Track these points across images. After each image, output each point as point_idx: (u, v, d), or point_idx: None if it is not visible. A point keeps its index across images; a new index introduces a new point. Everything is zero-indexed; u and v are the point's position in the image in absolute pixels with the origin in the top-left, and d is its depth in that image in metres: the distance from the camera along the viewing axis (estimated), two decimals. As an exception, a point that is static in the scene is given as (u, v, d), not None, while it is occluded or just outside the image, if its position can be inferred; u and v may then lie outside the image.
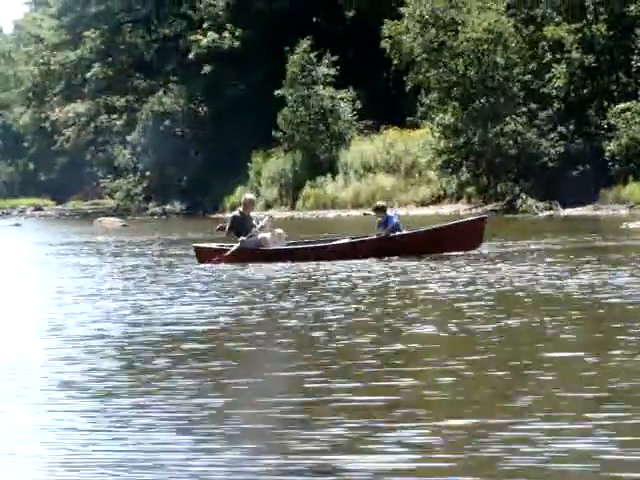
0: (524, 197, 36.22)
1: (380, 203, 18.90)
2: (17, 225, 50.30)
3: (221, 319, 10.49)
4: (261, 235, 18.03)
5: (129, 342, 9.17)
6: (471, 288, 12.15)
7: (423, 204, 41.25)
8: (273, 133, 48.14)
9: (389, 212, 18.43)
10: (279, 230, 18.58)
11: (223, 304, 11.79)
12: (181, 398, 6.71)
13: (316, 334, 9.16)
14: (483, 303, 10.74)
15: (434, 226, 18.72)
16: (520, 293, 11.60)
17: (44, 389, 7.27)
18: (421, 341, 8.71)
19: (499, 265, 15.21)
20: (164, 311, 11.22)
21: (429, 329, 9.24)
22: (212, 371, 7.67)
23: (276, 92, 47.57)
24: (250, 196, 19.93)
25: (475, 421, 5.78)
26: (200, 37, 55.38)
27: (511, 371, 7.25)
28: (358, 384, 6.93)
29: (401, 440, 5.42)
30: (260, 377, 7.50)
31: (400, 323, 9.66)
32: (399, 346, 8.41)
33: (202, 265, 17.47)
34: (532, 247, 18.94)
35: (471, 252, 17.21)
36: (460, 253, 17.11)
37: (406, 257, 16.83)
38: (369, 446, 5.32)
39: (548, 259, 15.95)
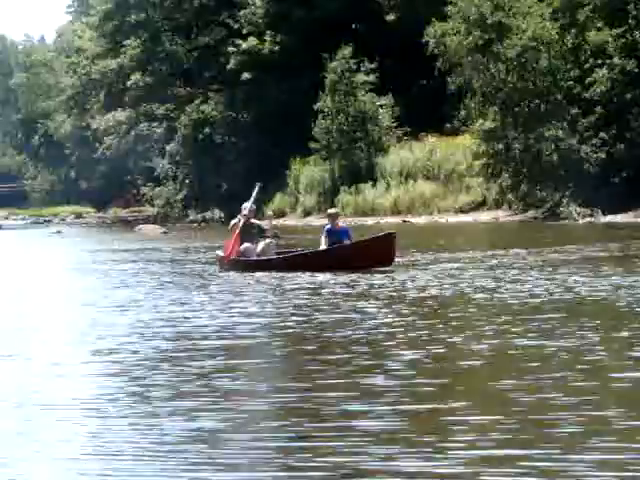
0: (565, 203, 35.83)
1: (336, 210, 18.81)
2: (58, 232, 50.60)
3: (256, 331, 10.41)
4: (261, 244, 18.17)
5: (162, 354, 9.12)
6: (541, 299, 11.72)
7: (462, 211, 41.03)
8: (311, 142, 48.12)
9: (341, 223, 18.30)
10: (269, 240, 18.47)
11: (255, 314, 11.71)
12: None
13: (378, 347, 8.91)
14: (562, 314, 10.39)
15: (344, 243, 17.89)
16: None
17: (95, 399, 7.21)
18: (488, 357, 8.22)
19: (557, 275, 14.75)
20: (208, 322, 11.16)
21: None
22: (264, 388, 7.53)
23: (316, 105, 47.58)
24: (248, 204, 19.60)
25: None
26: (240, 41, 55.50)
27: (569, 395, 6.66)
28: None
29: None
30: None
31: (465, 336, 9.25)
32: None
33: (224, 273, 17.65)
34: (582, 254, 18.69)
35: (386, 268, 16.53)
36: (370, 269, 16.44)
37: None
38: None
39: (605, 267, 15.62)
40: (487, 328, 9.56)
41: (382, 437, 5.60)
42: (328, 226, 18.05)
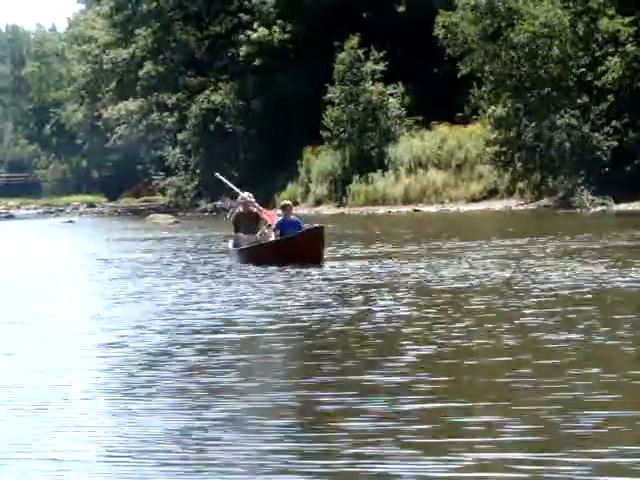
0: (581, 190, 35.60)
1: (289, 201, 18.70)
2: (70, 222, 50.69)
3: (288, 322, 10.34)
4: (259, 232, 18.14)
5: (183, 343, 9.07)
6: (563, 290, 11.48)
7: (474, 200, 40.93)
8: (321, 131, 48.05)
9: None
10: (265, 229, 18.38)
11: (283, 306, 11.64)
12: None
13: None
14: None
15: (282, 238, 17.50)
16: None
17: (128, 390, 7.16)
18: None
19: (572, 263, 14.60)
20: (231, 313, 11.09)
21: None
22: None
23: (326, 96, 47.49)
24: (245, 194, 19.39)
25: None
26: (251, 32, 55.45)
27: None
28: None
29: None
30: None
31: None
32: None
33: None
34: (600, 243, 18.51)
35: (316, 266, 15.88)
36: (301, 266, 15.83)
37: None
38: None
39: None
40: (507, 321, 9.35)
41: (383, 437, 5.47)
42: (280, 218, 17.85)
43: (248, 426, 5.84)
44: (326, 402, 6.35)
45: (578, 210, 34.40)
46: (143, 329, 9.79)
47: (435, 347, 8.10)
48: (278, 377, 7.32)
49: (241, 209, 18.82)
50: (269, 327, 9.63)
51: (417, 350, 7.96)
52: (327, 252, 19.33)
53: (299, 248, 16.49)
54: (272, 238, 17.60)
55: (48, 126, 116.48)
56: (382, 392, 6.57)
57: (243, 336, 9.14)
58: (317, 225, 17.19)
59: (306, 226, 17.87)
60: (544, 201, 37.59)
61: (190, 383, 7.10)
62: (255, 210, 18.74)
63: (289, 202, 18.76)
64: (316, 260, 16.25)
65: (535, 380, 6.74)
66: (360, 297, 11.62)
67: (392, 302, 11.00)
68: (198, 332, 9.45)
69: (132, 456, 5.33)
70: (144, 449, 5.45)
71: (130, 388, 7.06)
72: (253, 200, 19.09)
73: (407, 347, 8.13)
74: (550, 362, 7.35)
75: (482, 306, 10.52)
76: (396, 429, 5.61)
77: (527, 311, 9.91)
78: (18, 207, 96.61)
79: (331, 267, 15.89)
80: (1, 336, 9.86)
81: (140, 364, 7.93)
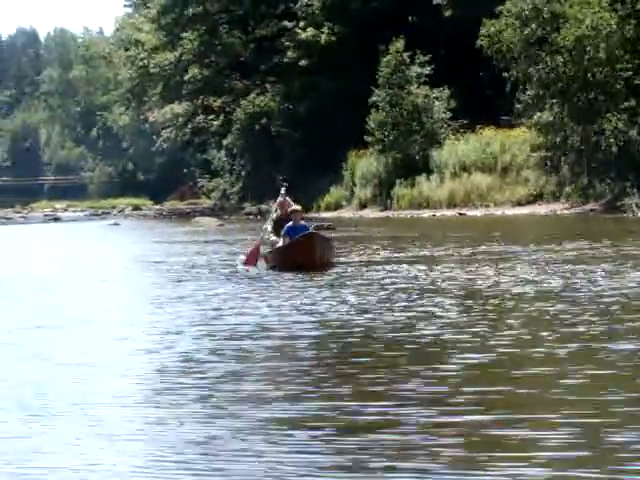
0: (628, 195, 35.14)
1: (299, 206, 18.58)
2: (116, 225, 51.04)
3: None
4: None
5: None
6: (615, 297, 11.09)
7: (520, 204, 40.66)
8: (366, 135, 47.99)
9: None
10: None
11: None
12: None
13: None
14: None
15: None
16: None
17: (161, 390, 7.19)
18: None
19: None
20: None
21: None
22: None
23: (370, 99, 47.42)
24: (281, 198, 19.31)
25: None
26: (298, 31, 55.53)
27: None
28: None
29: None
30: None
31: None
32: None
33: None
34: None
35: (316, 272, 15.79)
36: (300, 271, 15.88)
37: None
38: None
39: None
40: (559, 329, 9.03)
41: (418, 450, 5.34)
42: (290, 223, 17.71)
43: (275, 436, 5.72)
44: (360, 412, 6.21)
45: (625, 214, 34.06)
46: (180, 335, 9.72)
47: (480, 356, 7.88)
48: (312, 385, 7.14)
49: (279, 212, 18.62)
50: (307, 333, 9.50)
51: (461, 359, 7.77)
52: (370, 255, 19.30)
53: (294, 254, 16.68)
54: (280, 244, 17.62)
55: (95, 129, 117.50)
56: (420, 402, 6.40)
57: (281, 342, 9.04)
58: (312, 231, 17.07)
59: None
60: (590, 205, 37.26)
61: (220, 391, 7.00)
62: (294, 208, 18.49)
63: (298, 207, 18.50)
64: (311, 265, 16.19)
65: (584, 392, 6.52)
66: (405, 302, 11.45)
67: (438, 308, 10.81)
68: (234, 338, 9.36)
69: (160, 465, 5.29)
70: (171, 458, 5.40)
71: (158, 395, 7.02)
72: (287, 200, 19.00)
73: (451, 355, 7.96)
74: (602, 373, 7.09)
75: (533, 313, 10.26)
76: (432, 442, 5.45)
77: (580, 319, 9.61)
78: (65, 209, 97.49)
79: (376, 271, 15.83)
80: (39, 340, 9.86)
81: (173, 371, 7.88)
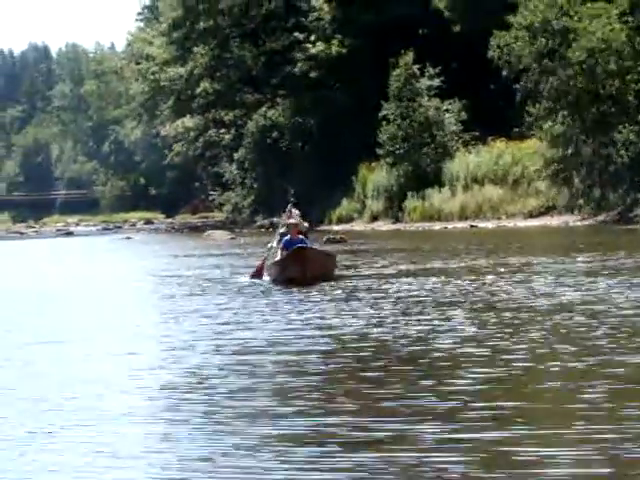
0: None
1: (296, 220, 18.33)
2: (128, 239, 51.13)
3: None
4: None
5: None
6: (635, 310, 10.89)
7: (531, 216, 40.57)
8: (377, 148, 47.98)
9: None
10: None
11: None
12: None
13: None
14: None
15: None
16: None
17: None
18: None
19: None
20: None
21: None
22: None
23: (381, 113, 47.42)
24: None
25: None
26: (309, 45, 55.61)
27: None
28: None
29: None
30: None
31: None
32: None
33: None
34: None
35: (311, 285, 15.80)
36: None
37: None
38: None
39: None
40: (578, 342, 8.87)
41: (428, 467, 5.23)
42: (287, 237, 17.65)
43: (283, 453, 5.63)
44: (371, 428, 6.10)
45: (638, 225, 33.93)
46: (190, 349, 9.67)
47: (495, 370, 7.77)
48: (321, 401, 7.03)
49: (286, 228, 18.33)
50: (318, 348, 9.41)
51: (476, 373, 7.65)
52: (384, 267, 19.25)
53: (284, 268, 16.83)
54: (278, 257, 17.56)
55: (107, 143, 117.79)
56: (432, 417, 6.29)
57: (292, 357, 8.91)
58: (302, 245, 16.93)
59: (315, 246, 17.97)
60: (602, 217, 37.16)
61: (228, 407, 6.92)
62: (289, 222, 18.23)
63: (294, 221, 18.30)
64: (301, 279, 16.18)
65: (601, 407, 6.39)
66: (419, 316, 11.35)
67: (452, 321, 10.71)
68: (244, 353, 9.28)
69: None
70: (179, 475, 5.34)
71: (165, 411, 6.95)
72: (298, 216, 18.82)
73: (465, 369, 7.84)
74: (619, 387, 6.96)
75: (548, 326, 10.11)
76: (444, 459, 5.34)
77: (597, 332, 9.46)
78: (77, 224, 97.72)
79: (390, 283, 15.77)
80: (47, 355, 9.81)
81: (181, 387, 7.81)
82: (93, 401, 7.37)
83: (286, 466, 5.39)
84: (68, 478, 5.42)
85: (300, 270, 16.43)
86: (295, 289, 15.67)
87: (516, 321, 10.60)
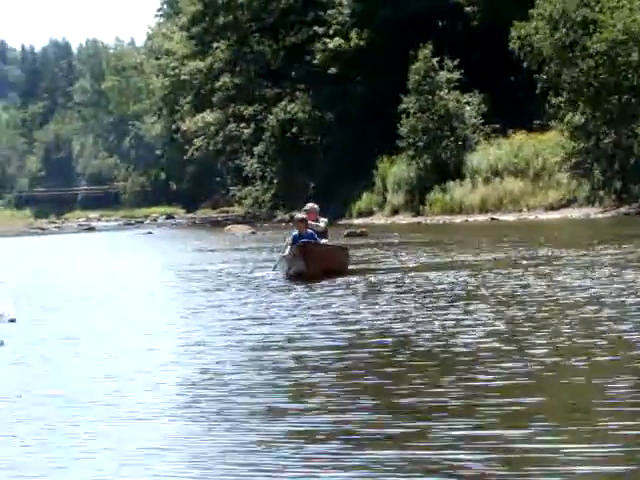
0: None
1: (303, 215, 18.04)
2: (150, 233, 51.29)
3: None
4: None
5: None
6: None
7: (552, 208, 40.40)
8: (397, 141, 47.89)
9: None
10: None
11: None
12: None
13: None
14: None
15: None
16: None
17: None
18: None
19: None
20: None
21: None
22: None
23: (400, 106, 47.31)
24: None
25: None
26: (328, 40, 55.54)
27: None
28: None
29: None
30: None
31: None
32: None
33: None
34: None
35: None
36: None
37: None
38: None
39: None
40: (606, 336, 8.68)
41: (444, 465, 5.14)
42: (296, 232, 17.45)
43: (299, 450, 5.58)
44: (389, 425, 6.02)
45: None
46: (209, 345, 9.63)
47: (519, 365, 7.62)
48: (338, 397, 6.94)
49: (296, 231, 17.66)
50: (338, 343, 9.34)
51: (499, 368, 7.53)
52: (406, 261, 19.19)
53: (290, 264, 16.79)
54: (287, 252, 17.37)
55: (127, 139, 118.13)
56: (452, 414, 6.20)
57: (311, 353, 8.85)
58: (304, 241, 16.71)
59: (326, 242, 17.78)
60: (624, 209, 36.97)
61: (244, 403, 6.87)
62: (296, 217, 18.07)
63: (301, 216, 18.05)
64: (305, 275, 16.15)
65: (630, 402, 6.26)
66: (442, 310, 11.23)
67: (476, 315, 10.59)
68: (263, 349, 9.22)
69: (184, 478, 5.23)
70: (194, 472, 5.31)
71: (183, 408, 6.90)
72: (317, 210, 18.50)
73: (488, 365, 7.71)
74: None
75: (574, 320, 9.91)
76: (464, 456, 5.26)
77: (623, 326, 9.27)
78: (98, 219, 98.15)
79: (411, 277, 15.71)
80: (66, 352, 9.79)
81: (195, 382, 7.79)
82: (110, 397, 7.33)
83: (304, 463, 5.34)
84: (84, 474, 5.38)
85: (304, 265, 16.39)
86: (321, 283, 15.60)
87: (540, 315, 10.46)
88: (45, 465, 5.57)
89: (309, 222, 17.71)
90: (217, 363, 8.56)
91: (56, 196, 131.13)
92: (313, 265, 16.33)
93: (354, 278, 16.15)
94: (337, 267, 17.09)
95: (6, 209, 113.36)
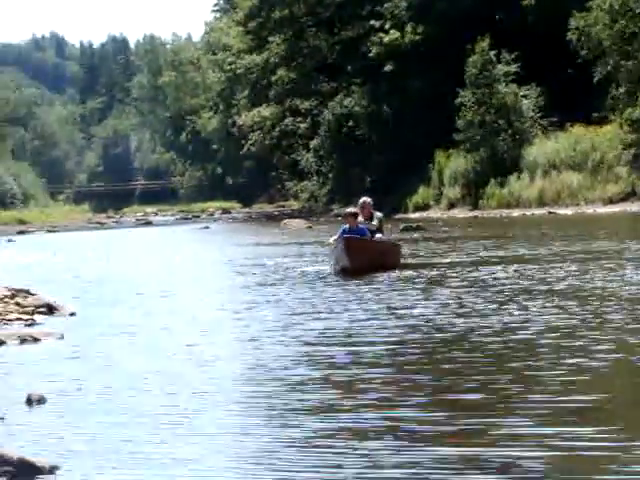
0: None
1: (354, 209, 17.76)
2: (206, 228, 51.52)
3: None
4: None
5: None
6: None
7: (611, 202, 39.97)
8: (454, 134, 47.68)
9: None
10: None
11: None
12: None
13: None
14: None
15: None
16: None
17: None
18: None
19: None
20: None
21: None
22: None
23: (457, 100, 47.10)
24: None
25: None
26: (383, 35, 55.41)
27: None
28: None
29: None
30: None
31: None
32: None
33: None
34: None
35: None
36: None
37: None
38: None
39: None
40: None
41: (497, 461, 5.08)
42: (346, 226, 17.19)
43: (347, 447, 5.53)
44: (441, 422, 5.95)
45: None
46: (259, 341, 9.59)
47: (579, 361, 7.50)
48: (391, 393, 6.88)
49: (346, 225, 17.36)
50: (395, 338, 9.27)
51: (557, 365, 7.42)
52: (466, 255, 19.08)
53: (336, 258, 16.73)
54: (335, 247, 17.19)
55: (184, 134, 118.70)
56: (506, 412, 6.12)
57: (366, 348, 8.79)
58: (346, 236, 16.52)
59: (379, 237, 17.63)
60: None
61: (293, 400, 6.84)
62: (346, 211, 17.86)
63: (351, 210, 17.79)
64: (348, 270, 16.10)
65: None
66: (501, 305, 11.11)
67: (538, 310, 10.46)
68: (316, 344, 9.17)
69: (229, 475, 5.22)
70: (241, 468, 5.29)
71: (230, 403, 6.87)
72: (370, 204, 18.26)
73: (546, 361, 7.61)
74: None
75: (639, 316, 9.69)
76: (517, 453, 5.19)
77: None
78: (155, 214, 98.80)
79: (470, 271, 15.61)
80: (122, 345, 9.85)
81: (247, 378, 7.80)
82: (163, 392, 7.34)
83: (359, 460, 5.30)
84: (135, 467, 5.41)
85: (347, 260, 16.28)
86: (379, 277, 15.56)
87: (602, 310, 10.30)
88: (95, 464, 5.55)
89: (359, 219, 17.38)
90: (272, 358, 8.54)
91: (114, 191, 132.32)
92: (356, 260, 16.15)
93: (411, 272, 16.07)
94: (386, 262, 16.88)
95: (65, 204, 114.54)
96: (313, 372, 7.83)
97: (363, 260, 16.21)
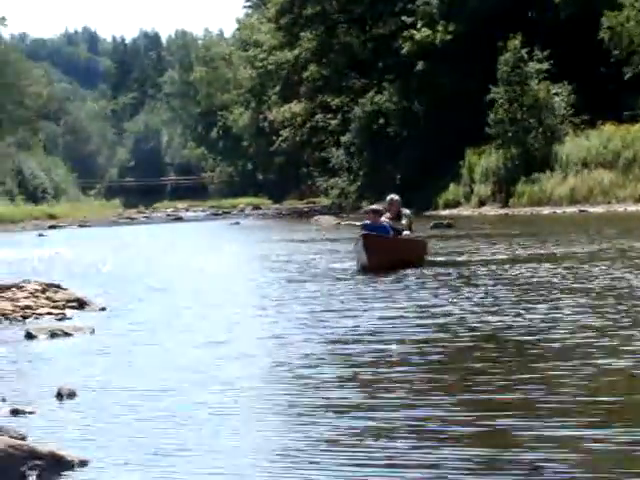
0: None
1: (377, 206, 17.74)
2: (237, 224, 51.64)
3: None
4: None
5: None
6: None
7: (643, 200, 39.73)
8: (486, 129, 47.55)
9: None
10: None
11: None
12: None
13: None
14: None
15: None
16: None
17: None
18: None
19: None
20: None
21: None
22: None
23: (488, 96, 46.97)
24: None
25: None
26: (414, 32, 55.29)
27: None
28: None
29: None
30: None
31: None
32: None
33: None
34: None
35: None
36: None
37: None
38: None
39: None
40: None
41: (514, 466, 5.03)
42: (367, 222, 17.14)
43: (372, 447, 5.51)
44: (468, 422, 5.91)
45: None
46: (286, 338, 9.57)
47: (608, 362, 7.43)
48: (414, 392, 6.85)
49: (368, 221, 17.34)
50: (421, 337, 9.22)
51: (586, 365, 7.37)
52: (498, 252, 18.99)
53: (357, 255, 16.73)
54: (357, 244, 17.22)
55: (215, 130, 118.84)
56: (537, 413, 6.07)
57: (393, 346, 8.72)
58: (365, 232, 16.45)
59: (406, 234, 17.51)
60: None
61: (318, 398, 6.82)
62: (369, 208, 17.92)
63: (373, 207, 17.90)
64: (367, 267, 16.09)
65: None
66: (531, 304, 11.03)
67: (570, 309, 10.38)
68: (343, 342, 9.13)
69: (241, 474, 5.21)
70: (265, 464, 5.31)
71: (253, 401, 6.86)
72: (397, 201, 18.18)
73: (575, 362, 7.53)
74: None
75: None
76: (542, 456, 5.12)
77: None
78: (186, 209, 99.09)
79: (501, 269, 15.55)
80: (146, 341, 9.86)
81: (271, 376, 7.79)
82: (188, 388, 7.36)
83: (384, 460, 5.29)
84: (157, 465, 5.42)
85: (366, 257, 16.26)
86: (406, 273, 15.54)
87: (635, 309, 10.21)
88: (124, 459, 5.55)
89: (383, 218, 17.24)
90: (298, 356, 8.53)
91: (145, 186, 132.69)
92: (375, 257, 16.10)
93: (441, 270, 16.03)
94: (409, 259, 16.81)
95: (96, 199, 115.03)
96: (340, 370, 7.81)
97: (382, 258, 16.15)
